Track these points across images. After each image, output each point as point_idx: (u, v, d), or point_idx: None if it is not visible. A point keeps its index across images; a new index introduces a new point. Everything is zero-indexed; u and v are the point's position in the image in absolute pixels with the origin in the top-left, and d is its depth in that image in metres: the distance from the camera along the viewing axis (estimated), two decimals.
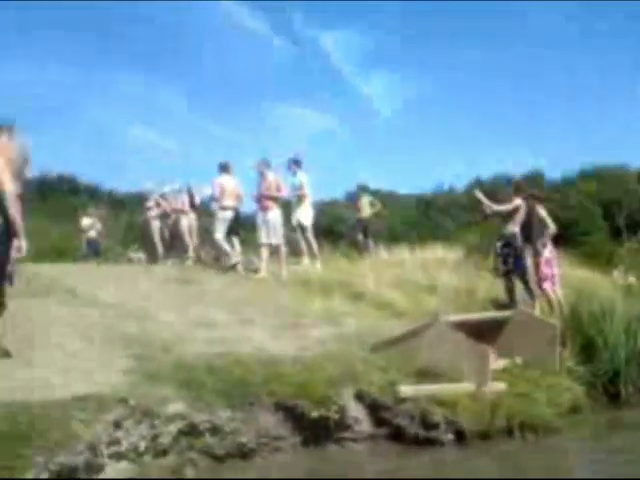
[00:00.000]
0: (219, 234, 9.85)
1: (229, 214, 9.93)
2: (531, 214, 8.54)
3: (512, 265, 8.21)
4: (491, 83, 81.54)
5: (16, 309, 5.06)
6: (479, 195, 8.96)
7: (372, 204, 12.88)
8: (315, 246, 10.30)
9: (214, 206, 10.08)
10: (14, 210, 4.48)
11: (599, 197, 35.76)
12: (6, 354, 4.66)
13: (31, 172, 5.45)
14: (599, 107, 76.40)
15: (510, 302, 8.22)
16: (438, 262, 10.96)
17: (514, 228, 8.30)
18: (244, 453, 4.41)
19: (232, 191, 9.96)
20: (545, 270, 8.45)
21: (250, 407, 4.62)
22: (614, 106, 75.03)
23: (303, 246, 10.27)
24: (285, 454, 4.57)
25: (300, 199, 10.24)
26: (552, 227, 8.58)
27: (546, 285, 8.41)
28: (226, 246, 9.83)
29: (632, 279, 10.42)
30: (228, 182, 9.99)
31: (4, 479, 3.17)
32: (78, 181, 42.62)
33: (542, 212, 8.64)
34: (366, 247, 12.09)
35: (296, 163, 10.30)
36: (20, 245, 4.61)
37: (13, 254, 4.75)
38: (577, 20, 76.41)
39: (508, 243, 8.27)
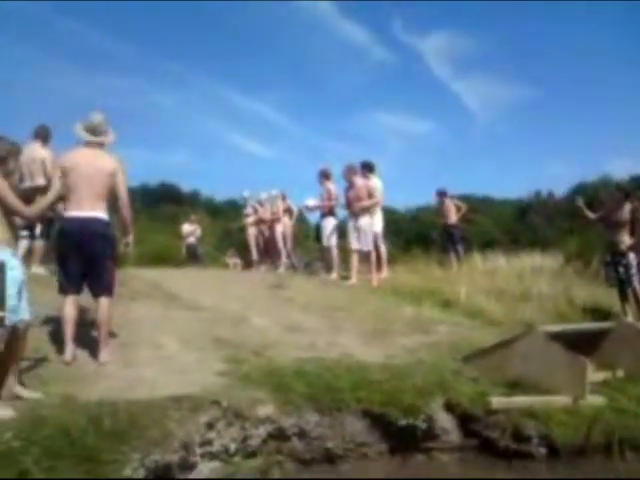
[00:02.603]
0: (334, 242, 10.05)
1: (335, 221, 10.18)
2: (636, 219, 8.11)
3: (623, 275, 7.93)
4: (593, 88, 78.32)
5: (118, 311, 5.38)
6: (580, 203, 8.71)
7: (458, 208, 12.48)
8: (385, 255, 10.18)
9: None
10: (127, 211, 5.08)
11: None
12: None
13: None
14: None
15: (623, 312, 7.96)
16: (535, 270, 10.62)
17: (626, 237, 8.01)
18: (330, 458, 4.47)
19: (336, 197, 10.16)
20: None
21: (338, 413, 4.65)
22: None
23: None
24: (371, 461, 4.57)
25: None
26: None
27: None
28: (336, 254, 10.01)
29: None
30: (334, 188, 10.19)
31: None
32: (179, 189, 44.71)
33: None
34: (456, 254, 11.80)
35: (368, 168, 9.99)
36: (129, 241, 5.22)
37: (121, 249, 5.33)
38: None
39: (620, 252, 8.06)
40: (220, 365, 5.22)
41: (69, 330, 4.89)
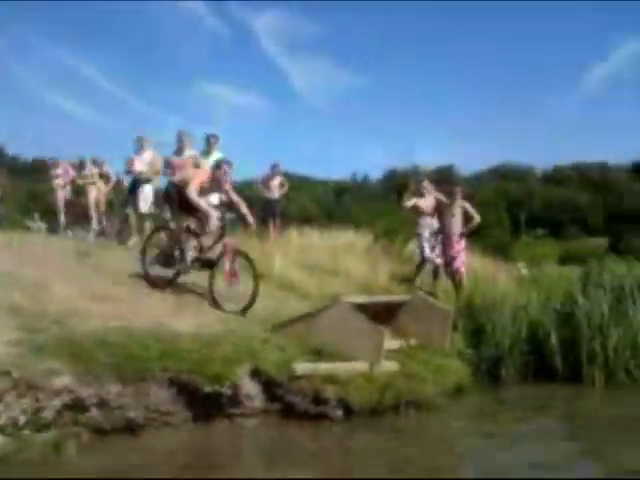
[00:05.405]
0: (144, 208, 9.67)
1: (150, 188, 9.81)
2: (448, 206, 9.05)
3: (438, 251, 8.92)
4: (416, 79, 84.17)
5: None
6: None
7: (282, 184, 12.71)
8: None
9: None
10: None
11: (504, 194, 37.49)
12: None
13: None
14: (511, 110, 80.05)
15: (414, 281, 8.92)
16: (347, 247, 11.15)
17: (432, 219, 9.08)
18: (131, 428, 4.36)
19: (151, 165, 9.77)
20: (464, 257, 8.92)
21: (142, 382, 4.55)
22: (525, 110, 78.89)
23: None
24: (174, 429, 4.54)
25: None
26: (477, 218, 9.01)
27: (462, 270, 8.83)
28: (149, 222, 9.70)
29: (524, 271, 10.99)
30: (144, 156, 9.76)
31: None
32: None
33: (466, 204, 9.05)
34: (275, 228, 12.04)
35: (212, 143, 9.87)
36: None
37: None
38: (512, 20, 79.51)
39: (433, 233, 9.04)
40: (14, 334, 4.82)
41: None
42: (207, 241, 6.98)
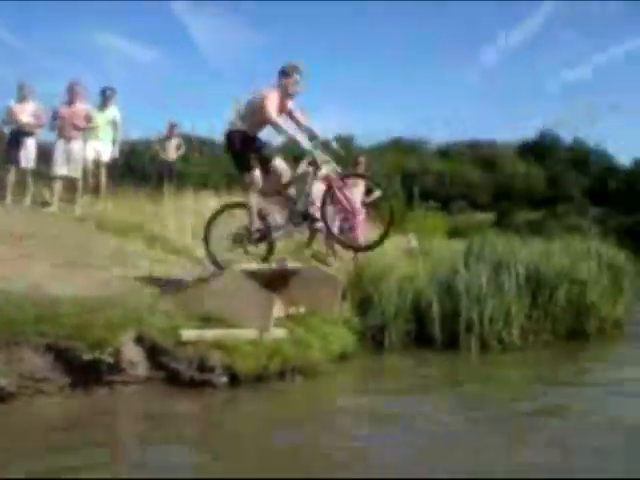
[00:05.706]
0: (26, 164, 9.13)
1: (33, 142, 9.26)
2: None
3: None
4: (322, 43, 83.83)
5: None
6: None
7: (178, 147, 12.34)
8: (104, 185, 9.80)
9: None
10: None
11: (399, 167, 38.44)
12: None
13: None
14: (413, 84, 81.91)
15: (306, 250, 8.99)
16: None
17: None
18: (1, 396, 4.16)
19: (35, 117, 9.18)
20: (364, 228, 9.12)
21: (16, 348, 4.33)
22: (429, 82, 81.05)
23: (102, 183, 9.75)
24: (49, 397, 4.37)
25: (105, 133, 9.68)
26: (378, 193, 9.23)
27: (361, 239, 9.02)
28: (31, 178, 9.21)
29: (414, 243, 11.41)
30: (27, 107, 9.13)
31: None
32: None
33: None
34: (169, 190, 11.73)
35: (108, 96, 9.75)
36: None
37: None
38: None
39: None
40: None
41: None
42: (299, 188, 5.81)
